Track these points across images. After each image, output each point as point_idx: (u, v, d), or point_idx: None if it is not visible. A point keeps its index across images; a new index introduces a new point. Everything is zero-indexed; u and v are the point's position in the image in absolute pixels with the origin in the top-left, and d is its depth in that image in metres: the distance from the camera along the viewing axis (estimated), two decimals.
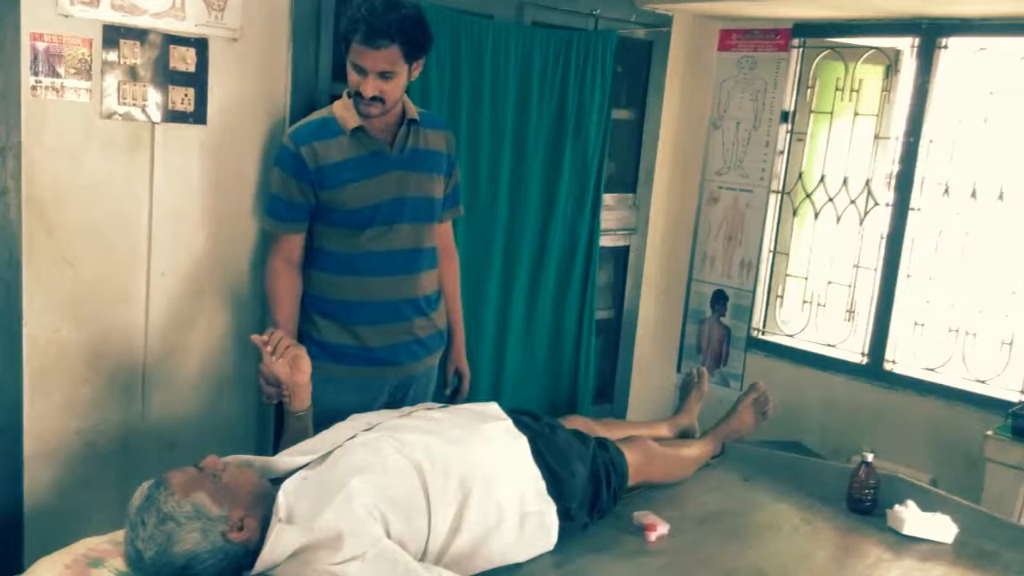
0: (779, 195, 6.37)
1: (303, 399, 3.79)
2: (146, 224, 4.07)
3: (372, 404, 4.19)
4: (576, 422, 4.49)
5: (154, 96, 3.98)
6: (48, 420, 3.95)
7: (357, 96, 3.94)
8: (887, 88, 6.05)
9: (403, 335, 4.30)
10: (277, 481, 3.26)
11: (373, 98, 3.91)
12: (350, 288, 4.19)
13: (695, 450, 4.68)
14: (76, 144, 3.81)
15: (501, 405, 4.02)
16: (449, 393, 4.75)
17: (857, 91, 6.15)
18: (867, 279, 6.08)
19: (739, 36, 6.35)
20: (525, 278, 5.50)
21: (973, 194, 5.68)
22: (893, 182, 5.86)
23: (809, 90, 6.26)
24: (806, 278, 6.44)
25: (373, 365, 4.27)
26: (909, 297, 5.91)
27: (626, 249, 6.31)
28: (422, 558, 3.27)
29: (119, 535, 3.17)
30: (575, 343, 5.87)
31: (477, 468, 3.48)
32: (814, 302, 6.39)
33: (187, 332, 4.30)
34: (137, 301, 4.12)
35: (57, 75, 3.69)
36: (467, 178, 4.88)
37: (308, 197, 4.06)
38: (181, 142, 4.10)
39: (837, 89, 6.22)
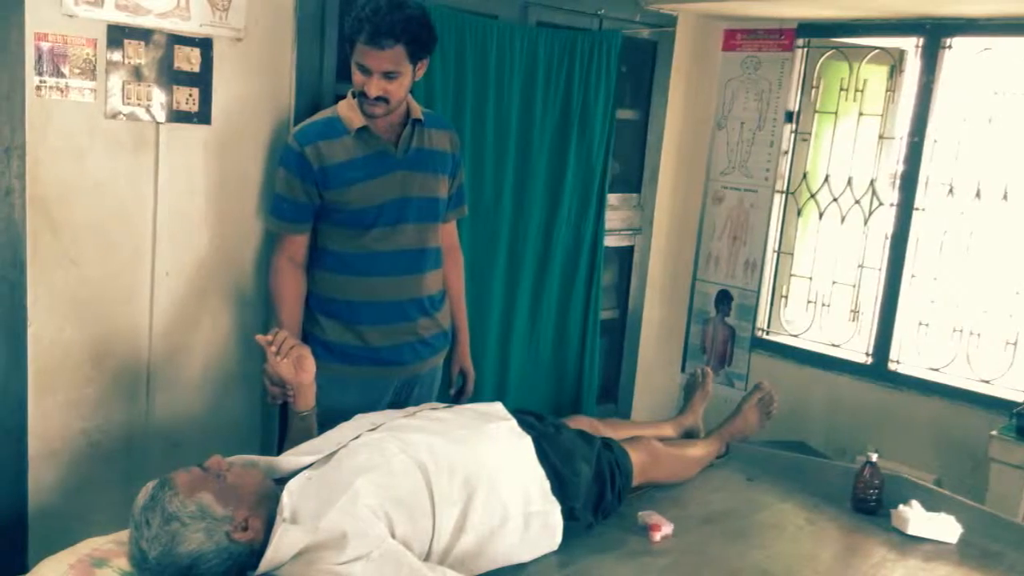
0: (783, 195, 6.38)
1: (307, 399, 3.79)
2: (150, 224, 4.07)
3: (376, 404, 4.18)
4: (581, 422, 4.49)
5: (158, 96, 3.98)
6: (52, 420, 3.95)
7: (361, 96, 3.94)
8: (891, 88, 6.06)
9: (407, 335, 4.30)
10: (281, 481, 3.27)
11: (377, 98, 3.91)
12: (354, 288, 4.19)
13: (699, 450, 4.69)
14: (80, 144, 3.81)
15: (505, 405, 4.02)
16: (453, 393, 4.75)
17: (861, 91, 6.15)
18: (871, 279, 6.09)
19: (743, 36, 6.35)
20: (529, 278, 5.50)
21: (977, 194, 5.69)
22: (897, 182, 5.87)
23: (813, 90, 6.27)
24: (810, 278, 6.44)
25: (377, 365, 4.27)
26: (913, 297, 5.92)
27: (630, 249, 6.31)
28: (426, 558, 3.27)
29: (123, 535, 3.17)
30: (580, 343, 5.87)
31: (481, 468, 3.48)
32: (818, 302, 6.40)
33: (191, 332, 4.31)
34: (141, 301, 4.12)
35: (61, 75, 3.69)
36: (471, 178, 4.90)
37: (313, 197, 4.06)
38: (185, 142, 4.11)
39: (841, 89, 6.22)
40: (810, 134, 6.31)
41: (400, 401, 4.37)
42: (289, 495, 3.14)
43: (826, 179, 6.30)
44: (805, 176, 6.35)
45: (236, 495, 3.10)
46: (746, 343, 6.47)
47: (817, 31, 6.13)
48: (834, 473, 4.58)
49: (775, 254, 6.46)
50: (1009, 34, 5.42)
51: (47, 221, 3.78)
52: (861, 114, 6.17)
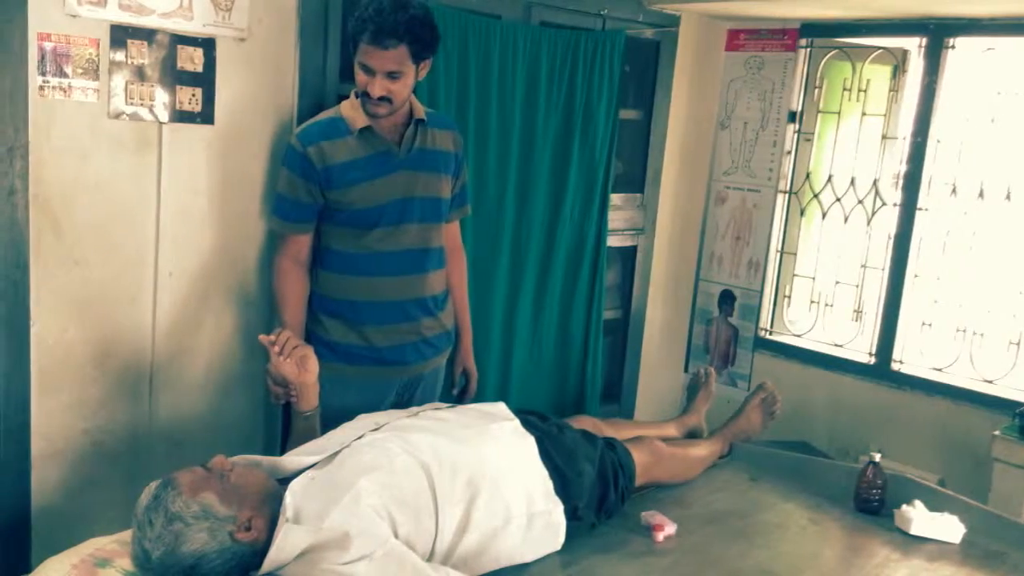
0: (786, 195, 6.38)
1: (310, 399, 3.79)
2: (153, 224, 4.07)
3: (379, 404, 4.19)
4: (584, 422, 4.50)
5: (161, 96, 3.98)
6: (56, 420, 3.96)
7: (365, 96, 3.95)
8: (894, 88, 6.05)
9: (410, 335, 4.31)
10: (284, 481, 3.27)
11: (381, 98, 3.92)
12: (357, 288, 4.19)
13: (703, 450, 4.69)
14: (83, 144, 3.81)
15: (508, 405, 4.04)
16: (456, 393, 4.76)
17: (864, 91, 6.15)
18: (874, 279, 6.09)
19: (746, 36, 6.35)
20: (532, 278, 5.50)
21: (980, 194, 5.68)
22: (900, 182, 5.87)
23: (816, 90, 6.27)
24: (813, 278, 6.44)
25: (380, 365, 4.28)
26: (917, 297, 5.92)
27: (634, 249, 6.31)
28: (429, 558, 3.28)
29: (126, 535, 3.18)
30: (583, 343, 5.87)
31: (485, 468, 3.49)
32: (821, 302, 6.40)
33: (195, 332, 4.31)
34: (144, 301, 4.12)
35: (65, 75, 3.70)
36: (474, 178, 4.90)
37: (315, 197, 4.06)
38: (188, 142, 4.11)
39: (844, 89, 6.22)
40: (813, 134, 6.32)
41: (403, 401, 4.38)
42: (292, 495, 3.15)
43: (829, 179, 6.30)
44: (808, 176, 6.35)
45: (239, 495, 3.11)
46: (749, 343, 6.46)
47: (820, 31, 6.13)
48: (837, 473, 4.58)
49: (778, 254, 6.46)
50: (1012, 34, 5.42)
51: (50, 221, 3.78)
52: (864, 114, 6.17)
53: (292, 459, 3.42)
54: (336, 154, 4.03)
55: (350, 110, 4.08)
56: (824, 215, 6.34)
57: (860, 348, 6.14)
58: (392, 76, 3.88)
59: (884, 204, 6.02)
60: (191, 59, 4.03)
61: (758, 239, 6.38)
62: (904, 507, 4.14)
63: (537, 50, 5.17)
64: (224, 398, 4.46)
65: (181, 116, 4.06)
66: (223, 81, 4.16)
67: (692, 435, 5.02)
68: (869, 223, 6.13)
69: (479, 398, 4.74)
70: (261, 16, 4.21)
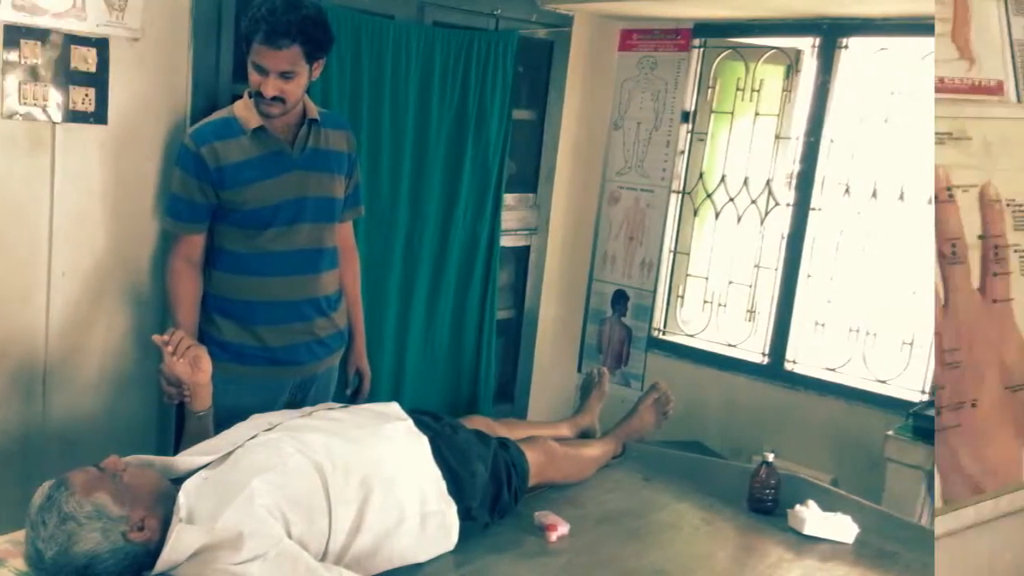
0: (680, 195, 6.42)
1: (204, 399, 3.79)
2: (46, 224, 4.04)
3: (273, 404, 4.18)
4: (477, 422, 4.50)
5: (55, 96, 3.95)
6: None
7: (258, 96, 3.93)
8: (788, 88, 6.10)
9: (304, 335, 4.31)
10: (178, 481, 3.25)
11: (274, 98, 3.91)
12: (250, 288, 4.18)
13: (596, 450, 4.70)
14: None
15: (402, 405, 4.03)
16: (350, 393, 4.76)
17: (758, 91, 6.20)
18: (768, 279, 6.14)
19: (639, 36, 6.38)
20: (426, 278, 5.52)
21: (874, 194, 5.73)
22: (794, 182, 5.93)
23: (710, 90, 6.32)
24: (707, 278, 6.49)
25: (273, 365, 4.28)
26: (810, 297, 5.97)
27: (527, 249, 6.33)
28: (323, 558, 3.27)
29: (19, 535, 3.15)
30: (476, 343, 5.90)
31: (378, 468, 3.49)
32: (715, 302, 6.45)
33: (88, 332, 4.28)
34: (37, 301, 4.09)
35: None
36: (367, 178, 4.91)
37: (209, 197, 4.05)
38: (82, 142, 4.08)
39: (738, 89, 6.27)
40: (706, 134, 6.37)
41: (296, 401, 4.38)
42: (185, 495, 3.13)
43: (722, 179, 6.35)
44: (701, 176, 6.39)
45: (132, 495, 3.09)
46: (642, 343, 6.50)
47: (713, 31, 6.17)
48: (730, 473, 4.61)
49: (671, 254, 6.51)
50: (905, 34, 5.46)
51: None
52: (757, 114, 6.23)
53: (185, 459, 3.41)
54: (229, 154, 4.02)
55: (243, 110, 4.07)
56: (717, 215, 6.39)
57: (753, 348, 6.19)
58: (285, 76, 3.88)
59: (777, 204, 6.08)
60: (84, 59, 4.01)
61: (651, 239, 6.42)
62: (797, 507, 4.16)
63: (430, 50, 5.19)
64: (118, 398, 4.43)
65: (74, 116, 4.03)
66: (116, 81, 4.13)
67: (585, 435, 5.03)
68: (762, 223, 6.18)
69: (372, 398, 4.74)
70: (154, 17, 4.19)
